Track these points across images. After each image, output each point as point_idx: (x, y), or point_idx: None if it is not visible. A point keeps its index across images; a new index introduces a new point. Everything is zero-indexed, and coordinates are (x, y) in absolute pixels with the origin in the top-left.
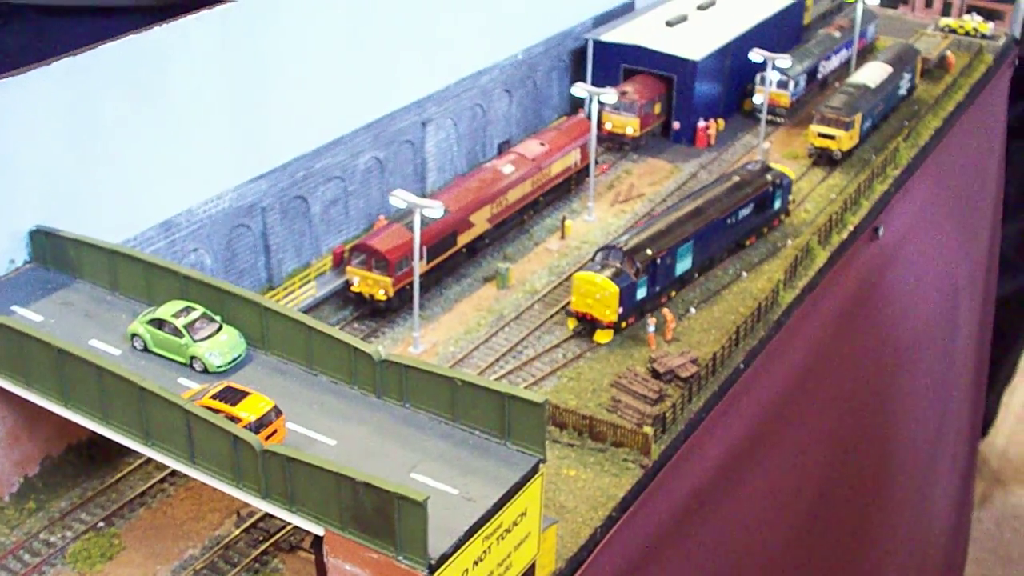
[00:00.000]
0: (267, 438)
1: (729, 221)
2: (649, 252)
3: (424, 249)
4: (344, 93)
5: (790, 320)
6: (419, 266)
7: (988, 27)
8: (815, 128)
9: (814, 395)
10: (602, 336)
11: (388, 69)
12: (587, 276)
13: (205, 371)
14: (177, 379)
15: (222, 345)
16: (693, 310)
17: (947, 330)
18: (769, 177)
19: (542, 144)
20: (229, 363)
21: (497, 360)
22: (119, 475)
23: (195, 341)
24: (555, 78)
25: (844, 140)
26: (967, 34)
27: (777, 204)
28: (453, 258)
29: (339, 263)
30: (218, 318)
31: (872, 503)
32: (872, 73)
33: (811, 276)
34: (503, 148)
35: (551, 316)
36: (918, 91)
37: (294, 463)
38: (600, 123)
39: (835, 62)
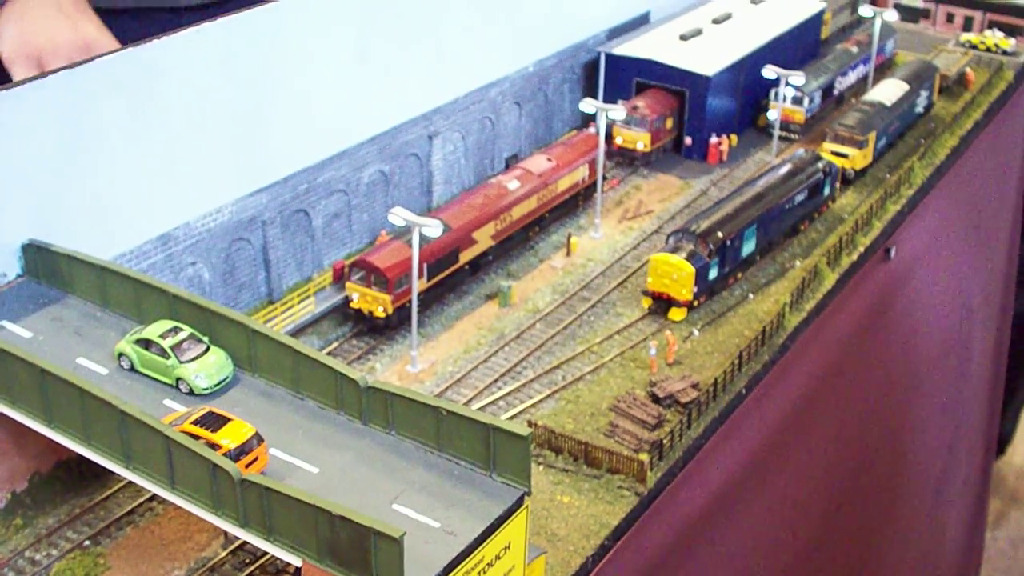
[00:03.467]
0: (248, 465)
1: (787, 206)
2: (720, 235)
3: (425, 266)
4: (349, 105)
5: (796, 343)
6: (419, 284)
7: (1010, 43)
8: (828, 146)
9: (820, 419)
10: (677, 314)
11: (395, 81)
12: (664, 257)
13: (191, 393)
14: (163, 401)
15: (208, 367)
16: (696, 332)
17: (960, 350)
18: (820, 165)
19: (549, 159)
20: (215, 385)
21: (495, 381)
22: (108, 492)
23: (181, 362)
24: (567, 91)
25: (857, 159)
26: (988, 50)
27: (826, 191)
28: (455, 275)
29: (339, 278)
30: (206, 339)
31: (880, 528)
32: (888, 90)
33: (819, 298)
34: (510, 163)
35: (552, 336)
36: (936, 108)
37: (271, 493)
38: (611, 138)
39: (852, 78)
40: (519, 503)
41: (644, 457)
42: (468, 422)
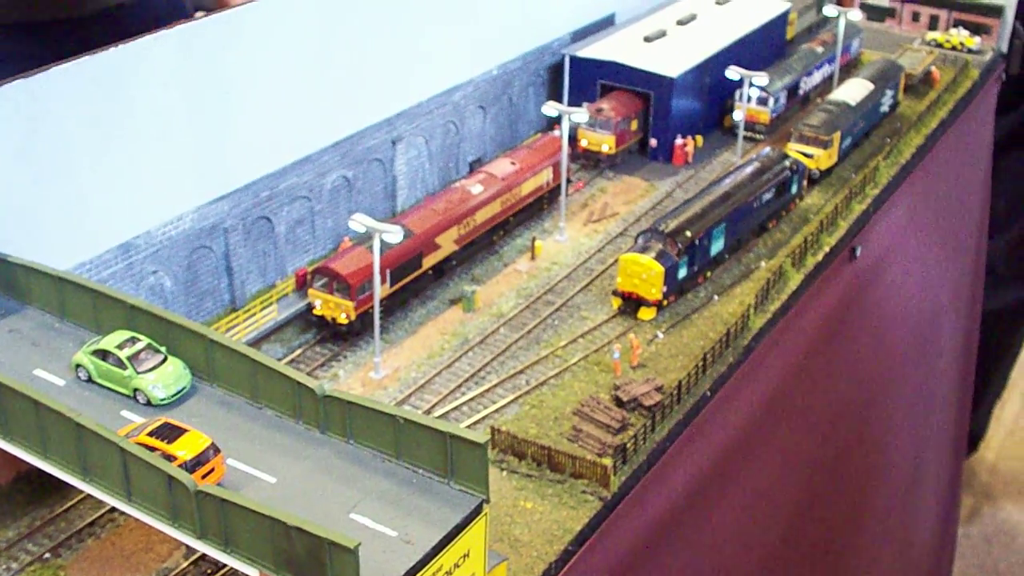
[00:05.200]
0: (204, 476)
1: (755, 204)
2: (688, 234)
3: (387, 272)
4: (311, 111)
5: (761, 345)
6: (382, 290)
7: (975, 41)
8: (793, 146)
9: (788, 419)
10: (646, 313)
11: (357, 86)
12: (633, 257)
13: (149, 404)
14: (121, 412)
15: (166, 377)
16: (661, 335)
17: (930, 348)
18: (787, 163)
19: (512, 163)
20: (173, 396)
21: (459, 386)
22: (68, 504)
23: (138, 373)
24: (531, 94)
25: (822, 159)
26: (953, 48)
27: (794, 189)
28: (418, 281)
29: (302, 285)
30: (163, 349)
31: (853, 525)
32: (853, 90)
33: (784, 299)
34: (474, 167)
35: (516, 340)
36: (901, 107)
37: (228, 504)
38: (576, 140)
39: (817, 78)
40: (478, 510)
41: (607, 462)
42: (426, 430)
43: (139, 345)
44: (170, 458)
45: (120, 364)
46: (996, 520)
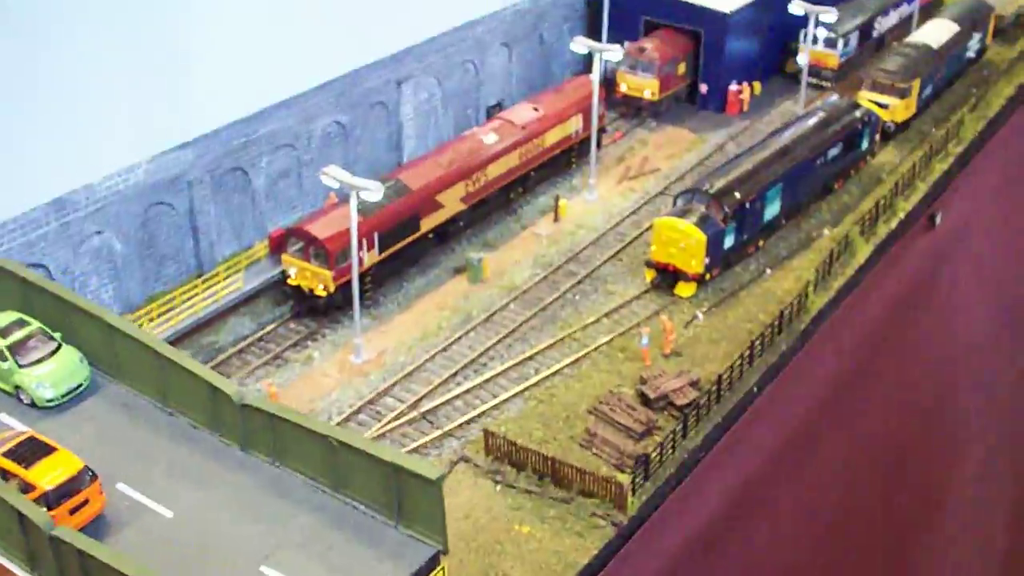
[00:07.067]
0: (74, 511)
1: (818, 162)
2: (737, 195)
3: (376, 236)
4: (295, 44)
5: (821, 329)
6: (369, 257)
7: None
8: (865, 95)
9: (848, 420)
10: (684, 289)
11: (353, 16)
12: (670, 222)
13: (33, 405)
14: None
15: (54, 374)
16: (700, 316)
17: (1016, 332)
18: (857, 114)
19: (535, 109)
20: (64, 395)
21: (454, 375)
22: None
23: (20, 367)
24: (567, 31)
25: (899, 110)
26: None
27: (864, 144)
28: (415, 246)
29: (277, 249)
30: (58, 336)
31: (922, 526)
32: (936, 32)
33: (850, 275)
34: (492, 112)
35: (528, 319)
36: (989, 54)
37: (86, 557)
38: (615, 85)
39: (894, 18)
40: (432, 565)
41: (624, 479)
42: (366, 457)
43: (27, 330)
44: (28, 488)
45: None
46: None
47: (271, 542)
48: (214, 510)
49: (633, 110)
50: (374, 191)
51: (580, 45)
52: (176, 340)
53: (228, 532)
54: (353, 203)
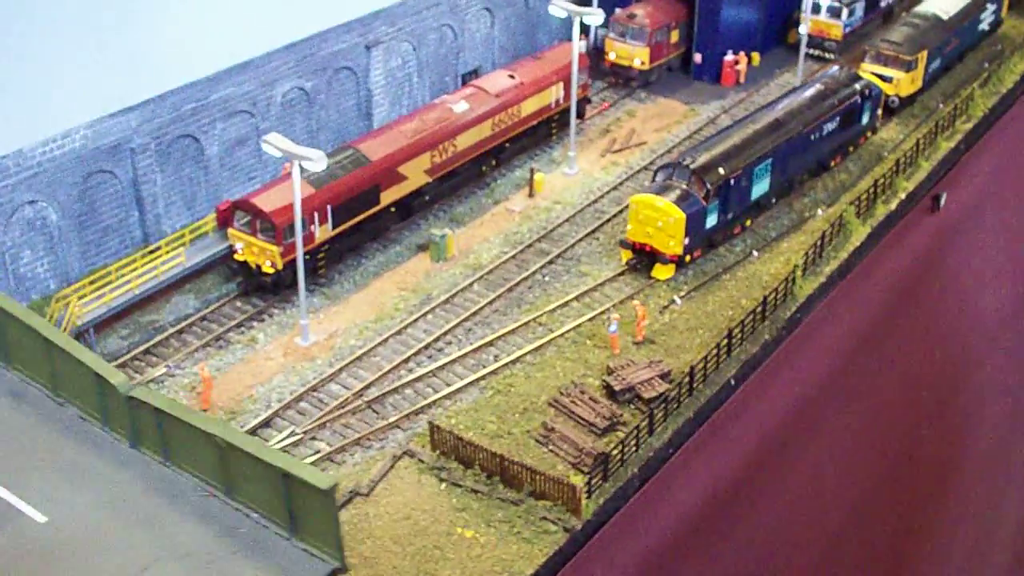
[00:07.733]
0: None
1: (813, 137)
2: (721, 171)
3: (328, 209)
4: (254, 4)
5: (809, 318)
6: (322, 232)
7: None
8: (867, 67)
9: (839, 416)
10: (662, 272)
11: None
12: (648, 199)
13: None
14: None
15: None
16: (678, 301)
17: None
18: (857, 86)
19: (512, 76)
20: None
21: (407, 360)
22: None
23: None
24: None
25: (903, 83)
26: None
27: (865, 119)
28: (376, 220)
29: (224, 222)
30: None
31: (927, 516)
32: (946, 2)
33: (844, 259)
34: (467, 79)
35: (491, 301)
36: (1005, 27)
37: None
38: (603, 52)
39: None
40: None
41: (578, 481)
42: (254, 462)
43: None
44: None
45: None
46: None
47: (150, 552)
48: (92, 514)
49: (622, 80)
50: (316, 161)
51: (557, 8)
52: (114, 318)
53: (105, 540)
54: (296, 173)
